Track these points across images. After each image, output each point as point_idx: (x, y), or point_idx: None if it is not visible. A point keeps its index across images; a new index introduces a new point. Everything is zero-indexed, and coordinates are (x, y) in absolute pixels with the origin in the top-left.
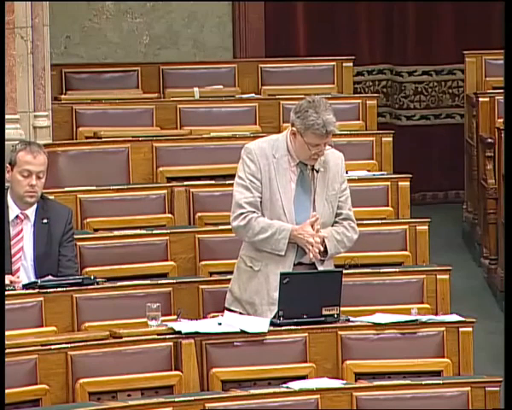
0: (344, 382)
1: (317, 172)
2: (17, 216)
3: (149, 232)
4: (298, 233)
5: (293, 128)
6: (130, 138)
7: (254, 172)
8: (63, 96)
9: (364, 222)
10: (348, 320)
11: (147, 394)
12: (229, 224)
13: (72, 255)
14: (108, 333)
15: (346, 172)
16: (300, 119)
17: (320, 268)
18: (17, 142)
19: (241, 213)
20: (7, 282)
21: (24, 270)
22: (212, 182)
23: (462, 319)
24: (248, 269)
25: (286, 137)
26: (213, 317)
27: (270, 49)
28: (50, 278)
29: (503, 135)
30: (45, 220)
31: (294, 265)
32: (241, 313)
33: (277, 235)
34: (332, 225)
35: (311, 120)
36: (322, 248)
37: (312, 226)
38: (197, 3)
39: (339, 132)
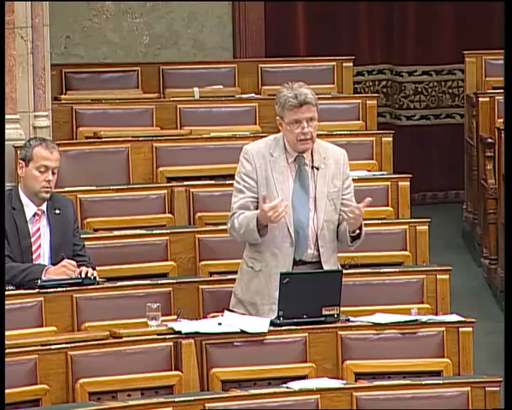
0: (344, 382)
1: (317, 169)
2: (35, 213)
3: (149, 232)
4: (259, 214)
5: (277, 118)
6: (130, 138)
7: (249, 172)
8: (63, 96)
9: (364, 222)
10: (348, 320)
11: (147, 394)
12: None
13: (83, 244)
14: (108, 333)
15: None
16: (278, 103)
17: (325, 267)
18: (30, 138)
19: (230, 217)
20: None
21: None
22: (212, 182)
23: (462, 319)
24: (250, 270)
25: (283, 135)
26: (213, 317)
27: (270, 49)
28: (50, 277)
29: (503, 135)
30: (57, 211)
31: (296, 263)
32: (243, 315)
33: (250, 225)
34: (338, 224)
35: (284, 96)
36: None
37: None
38: (197, 3)
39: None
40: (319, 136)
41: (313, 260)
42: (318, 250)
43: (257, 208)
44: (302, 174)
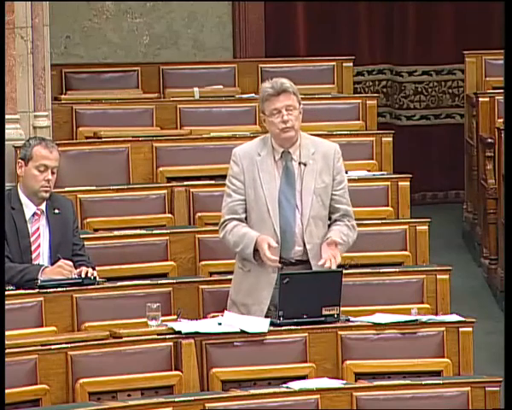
0: (344, 382)
1: (305, 165)
2: (34, 213)
3: (149, 232)
4: (258, 246)
5: (261, 115)
6: (131, 138)
7: (237, 174)
8: (63, 96)
9: (364, 222)
10: (348, 320)
11: (147, 394)
12: None
13: (82, 243)
14: (108, 333)
15: (346, 172)
16: (259, 98)
17: (314, 268)
18: (29, 137)
19: (221, 225)
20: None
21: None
22: (212, 182)
23: (462, 319)
24: (240, 271)
25: (270, 135)
26: (213, 317)
27: (270, 49)
28: (50, 277)
29: (503, 135)
30: (57, 211)
31: (284, 263)
32: None
33: (246, 249)
34: (329, 220)
35: (262, 89)
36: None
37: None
38: (197, 3)
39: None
40: (318, 135)
41: (303, 258)
42: (305, 247)
43: (245, 211)
44: (289, 171)
